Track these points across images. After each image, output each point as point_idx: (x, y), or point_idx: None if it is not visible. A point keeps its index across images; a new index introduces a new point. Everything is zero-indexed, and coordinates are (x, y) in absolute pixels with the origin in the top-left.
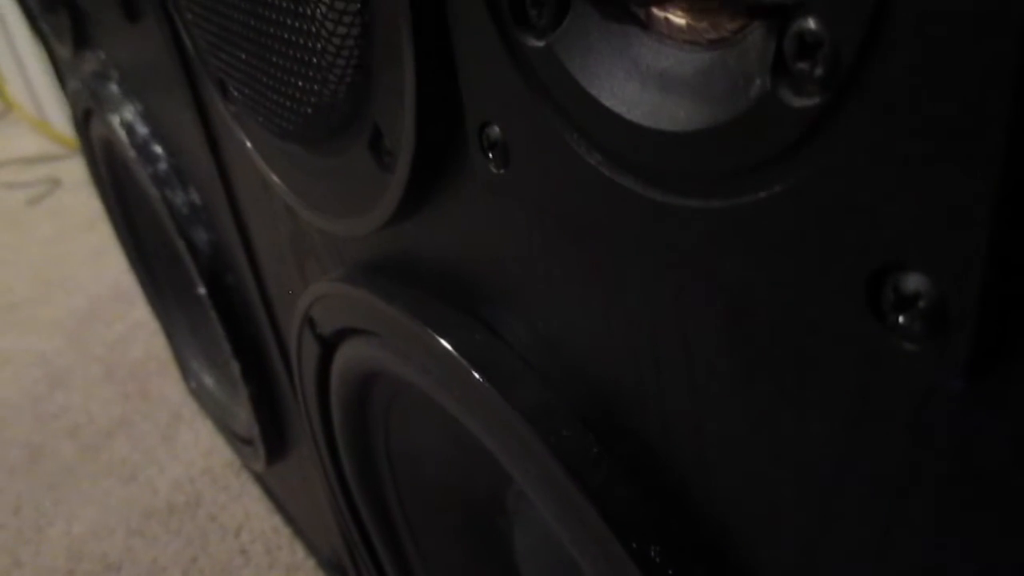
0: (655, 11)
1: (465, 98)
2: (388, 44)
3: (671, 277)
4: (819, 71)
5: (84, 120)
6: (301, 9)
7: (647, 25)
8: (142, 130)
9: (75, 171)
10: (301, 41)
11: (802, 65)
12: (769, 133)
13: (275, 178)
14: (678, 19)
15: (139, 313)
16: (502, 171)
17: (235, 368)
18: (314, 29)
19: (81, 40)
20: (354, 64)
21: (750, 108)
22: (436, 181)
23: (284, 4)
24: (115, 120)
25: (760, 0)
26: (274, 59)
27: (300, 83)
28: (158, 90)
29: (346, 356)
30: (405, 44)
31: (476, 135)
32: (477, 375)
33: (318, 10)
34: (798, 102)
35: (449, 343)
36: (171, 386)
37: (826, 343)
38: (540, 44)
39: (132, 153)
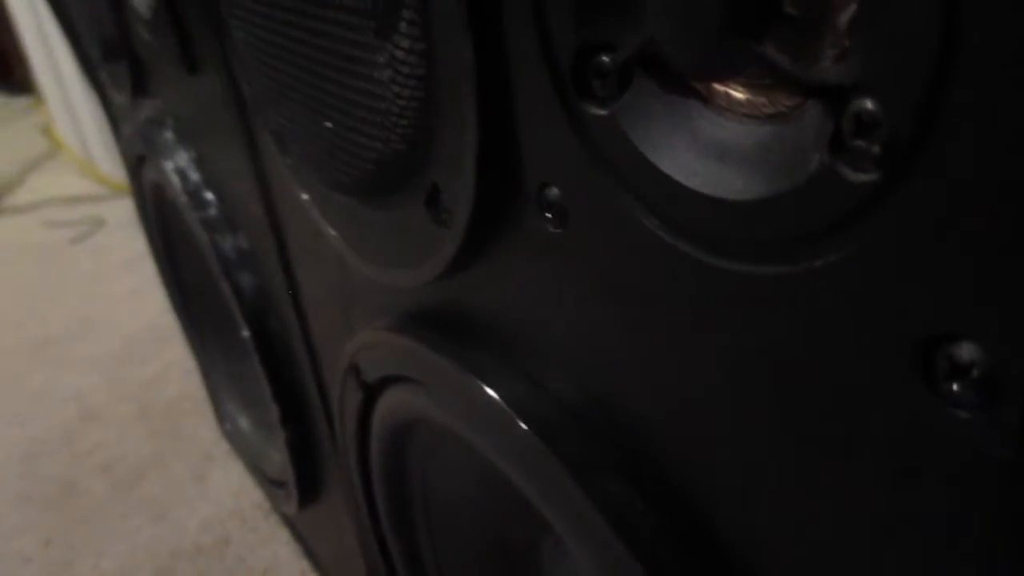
0: (715, 85)
1: (525, 160)
2: (450, 107)
3: (725, 337)
4: (876, 149)
5: (137, 165)
6: (365, 70)
7: (706, 98)
8: (194, 176)
9: (118, 212)
10: (364, 101)
11: (860, 143)
12: (827, 205)
13: (329, 228)
14: (737, 93)
15: (173, 352)
16: (559, 230)
17: (274, 411)
18: (378, 90)
19: (139, 89)
20: (415, 124)
21: (808, 181)
22: (491, 237)
23: (347, 65)
24: (168, 166)
25: (819, 81)
26: (335, 116)
27: (361, 140)
28: (212, 138)
29: (389, 403)
30: (468, 109)
31: (535, 195)
32: (524, 426)
33: (384, 72)
34: (856, 177)
35: (496, 393)
36: (204, 426)
37: (877, 407)
38: (602, 113)
39: (183, 198)
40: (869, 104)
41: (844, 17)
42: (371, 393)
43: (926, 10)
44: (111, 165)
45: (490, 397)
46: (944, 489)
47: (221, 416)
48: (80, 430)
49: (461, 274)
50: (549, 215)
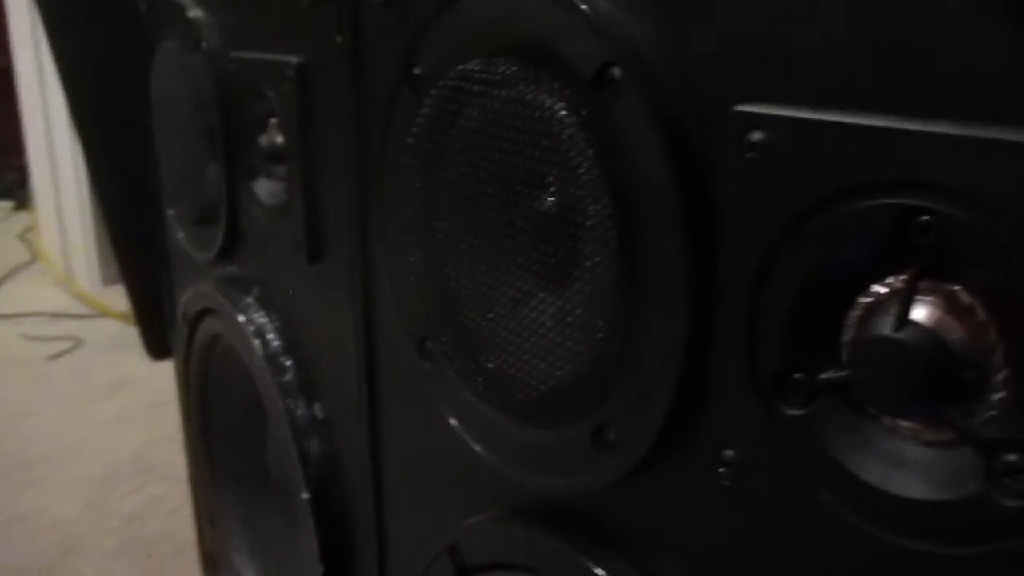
0: None
1: (707, 425)
2: (641, 368)
3: None
4: (1022, 486)
5: (197, 317)
6: (539, 310)
7: (878, 418)
8: (275, 343)
9: (97, 333)
10: (538, 339)
11: (1008, 481)
12: (984, 516)
13: (465, 432)
14: (902, 421)
15: (156, 489)
16: (729, 483)
17: (316, 570)
18: (553, 333)
19: (225, 254)
20: (590, 370)
21: (967, 498)
22: (650, 471)
23: (522, 300)
24: (248, 328)
25: (977, 435)
26: (510, 341)
27: (534, 371)
28: (311, 317)
29: None
30: (666, 380)
31: (711, 453)
32: None
33: (570, 315)
34: (1007, 503)
35: None
36: (186, 569)
37: None
38: (795, 413)
39: (261, 361)
40: (1014, 458)
41: (996, 397)
42: (465, 574)
43: None
44: (91, 283)
45: None
46: None
47: (215, 564)
48: (58, 561)
49: (613, 490)
50: (722, 470)
